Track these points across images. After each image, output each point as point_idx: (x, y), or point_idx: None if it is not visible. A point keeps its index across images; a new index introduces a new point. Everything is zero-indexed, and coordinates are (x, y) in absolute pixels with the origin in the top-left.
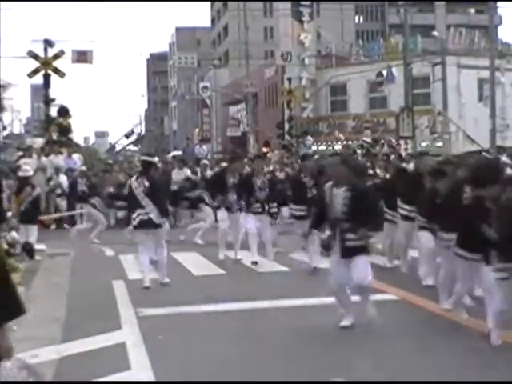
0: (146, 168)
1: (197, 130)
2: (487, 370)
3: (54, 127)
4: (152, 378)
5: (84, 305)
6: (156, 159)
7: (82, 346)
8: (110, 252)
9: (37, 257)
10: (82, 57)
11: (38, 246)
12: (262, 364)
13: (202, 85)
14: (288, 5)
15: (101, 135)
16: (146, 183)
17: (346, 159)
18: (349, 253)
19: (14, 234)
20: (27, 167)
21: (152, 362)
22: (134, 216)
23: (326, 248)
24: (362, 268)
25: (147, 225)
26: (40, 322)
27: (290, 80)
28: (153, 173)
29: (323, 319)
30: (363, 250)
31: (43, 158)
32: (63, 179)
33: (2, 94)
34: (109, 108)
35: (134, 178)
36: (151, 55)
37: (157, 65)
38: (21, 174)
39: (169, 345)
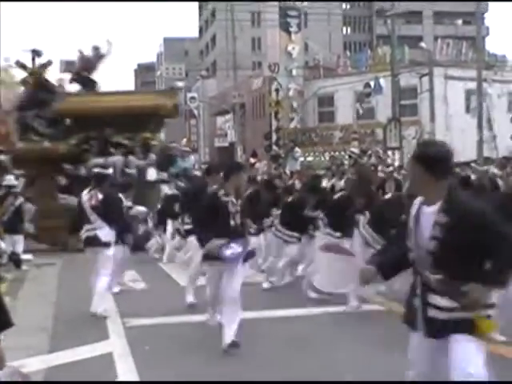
0: (99, 181)
1: (184, 140)
2: None
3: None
4: None
5: (71, 315)
6: (110, 171)
7: (69, 355)
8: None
9: (24, 267)
10: (70, 66)
11: (24, 256)
12: (249, 373)
13: (189, 95)
14: (276, 15)
15: None
16: (99, 197)
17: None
18: (440, 329)
19: (1, 243)
20: (11, 177)
21: (139, 371)
22: (81, 233)
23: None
24: (466, 360)
25: (93, 242)
26: (27, 332)
27: (277, 91)
28: (106, 186)
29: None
30: (468, 326)
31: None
32: None
33: None
34: None
35: (85, 191)
36: (139, 65)
37: (144, 75)
38: (4, 183)
39: (155, 355)
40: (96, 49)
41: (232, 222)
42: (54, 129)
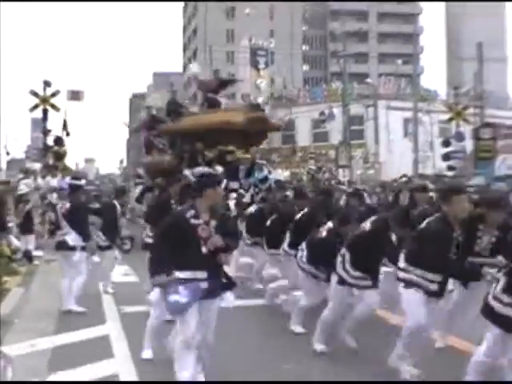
0: (72, 191)
1: None
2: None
3: (50, 154)
4: (132, 366)
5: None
6: (83, 182)
7: (71, 337)
8: (96, 258)
9: (35, 262)
10: (75, 95)
11: (36, 253)
12: (231, 354)
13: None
14: (247, 55)
15: (89, 161)
16: (67, 205)
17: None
18: None
19: (16, 242)
20: (23, 186)
21: (132, 351)
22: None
23: None
24: None
25: (62, 247)
26: (37, 317)
27: None
28: (78, 195)
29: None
30: None
31: (39, 180)
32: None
33: None
34: (96, 138)
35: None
36: (133, 94)
37: (138, 102)
38: (18, 192)
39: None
40: (216, 72)
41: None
42: (172, 145)
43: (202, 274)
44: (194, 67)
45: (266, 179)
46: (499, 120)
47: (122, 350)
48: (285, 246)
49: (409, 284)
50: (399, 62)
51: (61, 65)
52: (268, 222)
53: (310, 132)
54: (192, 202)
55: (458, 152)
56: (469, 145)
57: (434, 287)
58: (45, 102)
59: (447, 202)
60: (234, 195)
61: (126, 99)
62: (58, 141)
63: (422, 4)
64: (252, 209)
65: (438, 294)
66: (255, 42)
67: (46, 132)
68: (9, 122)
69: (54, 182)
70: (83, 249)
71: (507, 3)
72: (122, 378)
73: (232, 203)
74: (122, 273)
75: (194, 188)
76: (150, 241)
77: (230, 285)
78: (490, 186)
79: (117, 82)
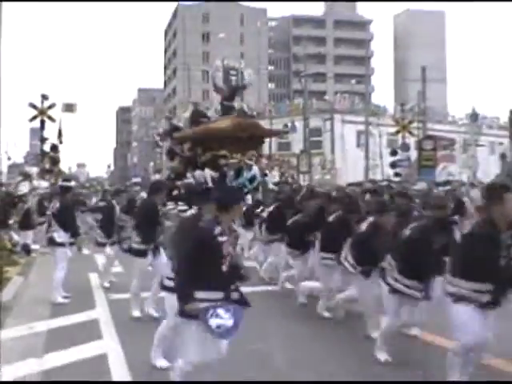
0: (62, 191)
1: (151, 163)
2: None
3: (46, 159)
4: (119, 345)
5: (67, 290)
6: (72, 183)
7: (65, 320)
8: (86, 251)
9: (33, 254)
10: (69, 107)
11: (33, 246)
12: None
13: (155, 131)
14: (220, 73)
15: (81, 166)
16: (57, 205)
17: None
18: None
19: (15, 237)
20: (22, 188)
21: (118, 333)
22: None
23: None
24: None
25: (51, 242)
26: (34, 303)
27: None
28: (67, 196)
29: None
30: None
31: (34, 182)
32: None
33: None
34: (87, 145)
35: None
36: (120, 108)
37: (124, 114)
38: (18, 193)
39: (133, 320)
40: (195, 104)
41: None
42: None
43: (219, 295)
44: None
45: (254, 178)
46: (439, 133)
47: (110, 332)
48: (320, 253)
49: (457, 299)
50: (353, 81)
51: (56, 79)
52: (291, 222)
53: (274, 141)
54: (216, 216)
55: (403, 160)
56: (413, 154)
57: (486, 298)
58: (42, 113)
59: (497, 201)
60: None
61: (114, 111)
62: (54, 148)
63: (372, 30)
64: (270, 208)
65: (494, 304)
66: (227, 63)
67: (43, 140)
68: (10, 130)
69: (45, 184)
70: (71, 244)
71: (447, 33)
72: (110, 358)
73: None
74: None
75: (220, 203)
76: (136, 246)
77: (242, 302)
78: (432, 191)
79: (105, 95)
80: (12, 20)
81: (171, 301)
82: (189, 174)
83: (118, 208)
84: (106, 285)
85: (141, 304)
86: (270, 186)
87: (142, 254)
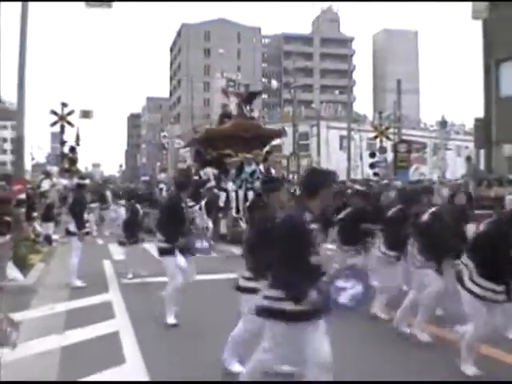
0: (77, 188)
1: (158, 163)
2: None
3: (66, 160)
4: (130, 323)
5: (84, 275)
6: (87, 181)
7: (82, 302)
8: (100, 241)
9: (53, 244)
10: (86, 114)
11: (54, 237)
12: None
13: (162, 134)
14: (219, 84)
15: (96, 165)
16: (70, 200)
17: None
18: None
19: (38, 228)
20: (44, 185)
21: (129, 313)
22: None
23: None
24: None
25: (67, 233)
26: (55, 286)
27: None
28: (81, 192)
29: None
30: None
31: (54, 179)
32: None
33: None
34: (101, 147)
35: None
36: (130, 114)
37: (134, 120)
38: (41, 189)
39: (142, 301)
40: (246, 86)
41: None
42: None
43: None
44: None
45: (254, 172)
46: (412, 138)
47: (121, 312)
48: (382, 248)
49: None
50: (337, 92)
51: (74, 88)
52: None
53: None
54: (304, 203)
55: (381, 162)
56: (389, 156)
57: (501, 297)
58: (62, 119)
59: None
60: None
61: (125, 118)
62: (72, 149)
63: (354, 47)
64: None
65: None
66: (226, 75)
67: (62, 143)
68: (33, 134)
69: (67, 181)
70: (87, 234)
71: (420, 50)
72: (122, 335)
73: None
74: (121, 252)
75: (307, 189)
76: (162, 245)
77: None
78: (406, 188)
79: (118, 103)
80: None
81: (251, 302)
82: (202, 172)
83: (141, 212)
84: (130, 276)
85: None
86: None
87: (168, 252)
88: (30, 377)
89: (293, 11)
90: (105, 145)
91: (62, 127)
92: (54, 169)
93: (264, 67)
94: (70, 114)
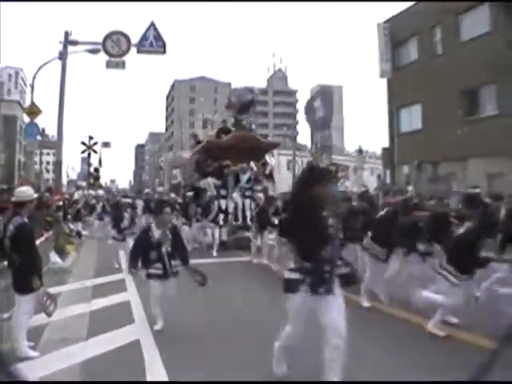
0: (115, 205)
1: (157, 180)
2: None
3: (91, 177)
4: (137, 296)
5: (105, 261)
6: (129, 200)
7: (103, 279)
8: (110, 241)
9: (83, 238)
10: (106, 144)
11: (83, 232)
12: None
13: (160, 159)
14: (201, 123)
15: (112, 181)
16: (98, 209)
17: None
18: None
19: (71, 226)
20: (76, 196)
21: (137, 288)
22: None
23: None
24: None
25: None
26: (84, 268)
27: None
28: (119, 208)
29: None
30: None
31: (85, 191)
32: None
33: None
34: (117, 167)
35: None
36: (137, 144)
37: (140, 149)
38: (74, 198)
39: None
40: (224, 121)
41: None
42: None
43: None
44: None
45: (249, 180)
46: (338, 161)
47: (132, 287)
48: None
49: None
50: (285, 128)
51: (98, 124)
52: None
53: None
54: None
55: None
56: None
57: None
58: (89, 148)
59: None
60: (224, 201)
61: (133, 147)
62: (96, 170)
63: (298, 96)
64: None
65: None
66: (205, 116)
67: (89, 165)
68: (68, 158)
69: (93, 193)
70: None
71: (344, 98)
72: (132, 304)
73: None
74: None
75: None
76: None
77: None
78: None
79: (129, 136)
80: (68, 83)
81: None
82: (201, 182)
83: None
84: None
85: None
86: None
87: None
88: (66, 333)
89: (254, 71)
90: (119, 166)
91: (89, 154)
92: (83, 183)
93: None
94: (94, 144)
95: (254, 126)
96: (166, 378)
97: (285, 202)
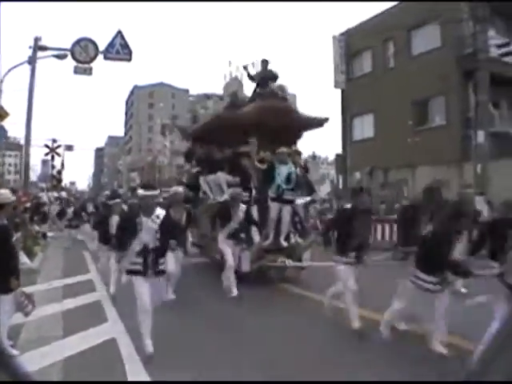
0: (105, 207)
1: (116, 182)
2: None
3: (54, 179)
4: (108, 297)
5: (70, 260)
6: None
7: (72, 280)
8: (80, 237)
9: (48, 239)
10: (69, 148)
11: (49, 234)
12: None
13: (119, 162)
14: (159, 127)
15: (72, 183)
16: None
17: None
18: None
19: (37, 227)
20: (43, 197)
21: (107, 288)
22: None
23: None
24: None
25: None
26: (51, 269)
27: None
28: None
29: None
30: None
31: (49, 193)
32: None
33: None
34: (76, 170)
35: None
36: (96, 148)
37: (99, 152)
38: (40, 200)
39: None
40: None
41: None
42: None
43: None
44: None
45: (290, 175)
46: None
47: (102, 287)
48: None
49: None
50: None
51: (61, 126)
52: None
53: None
54: None
55: None
56: None
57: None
58: (52, 151)
59: None
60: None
61: (93, 150)
62: (59, 172)
63: None
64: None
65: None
66: (163, 121)
67: (52, 167)
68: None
69: (55, 194)
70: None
71: (298, 106)
72: (105, 304)
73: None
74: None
75: None
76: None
77: None
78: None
79: (89, 139)
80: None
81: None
82: (201, 180)
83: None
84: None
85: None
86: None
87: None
88: (42, 333)
89: (211, 78)
90: (78, 168)
91: (52, 156)
92: (43, 185)
93: (189, 117)
94: (58, 147)
95: (289, 93)
96: (145, 375)
97: None
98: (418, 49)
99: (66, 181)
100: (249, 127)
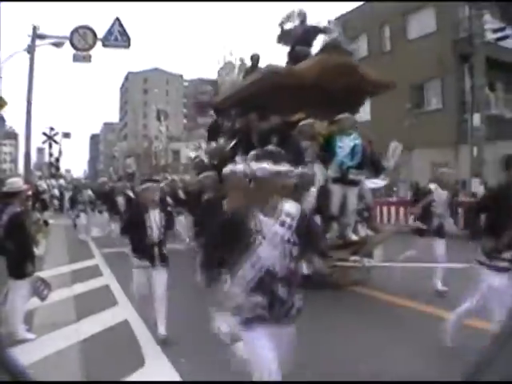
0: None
1: (111, 169)
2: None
3: (52, 167)
4: (115, 279)
5: (74, 246)
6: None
7: (79, 265)
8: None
9: (49, 226)
10: (66, 135)
11: (50, 221)
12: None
13: (114, 149)
14: (154, 113)
15: (68, 170)
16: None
17: None
18: None
19: (38, 215)
20: (43, 185)
21: (113, 273)
22: None
23: None
24: None
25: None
26: (56, 255)
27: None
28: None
29: None
30: None
31: (48, 181)
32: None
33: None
34: (73, 157)
35: None
36: (92, 134)
37: (95, 138)
38: (39, 188)
39: (119, 263)
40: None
41: None
42: None
43: None
44: None
45: (355, 147)
46: None
47: (107, 272)
48: None
49: None
50: None
51: (59, 114)
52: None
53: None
54: None
55: None
56: None
57: None
58: (50, 138)
59: None
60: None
61: (88, 137)
62: (57, 160)
63: None
64: None
65: None
66: (158, 107)
67: (50, 155)
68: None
69: (54, 182)
70: None
71: None
72: (112, 287)
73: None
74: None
75: None
76: None
77: None
78: None
79: (85, 127)
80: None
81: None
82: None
83: None
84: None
85: None
86: None
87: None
88: (55, 317)
89: (206, 63)
90: (73, 156)
91: (50, 144)
92: (39, 173)
93: (184, 102)
94: (55, 135)
95: (353, 48)
96: (162, 355)
97: None
98: (414, 33)
99: (61, 168)
100: (306, 89)
